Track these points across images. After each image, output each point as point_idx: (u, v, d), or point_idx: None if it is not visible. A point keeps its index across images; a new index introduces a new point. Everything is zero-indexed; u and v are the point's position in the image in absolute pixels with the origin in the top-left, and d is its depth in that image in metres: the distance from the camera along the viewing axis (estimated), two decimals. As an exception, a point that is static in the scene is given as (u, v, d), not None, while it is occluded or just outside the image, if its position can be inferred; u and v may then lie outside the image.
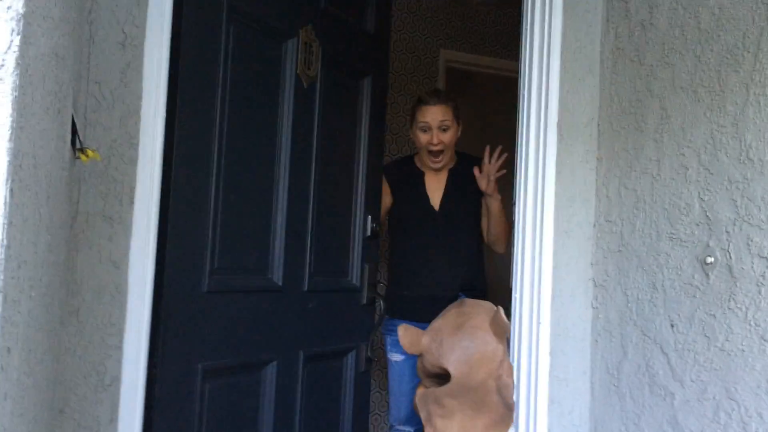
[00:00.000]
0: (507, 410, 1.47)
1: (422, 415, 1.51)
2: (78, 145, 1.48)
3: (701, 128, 1.78)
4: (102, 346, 1.71)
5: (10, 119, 0.70)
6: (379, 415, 3.68)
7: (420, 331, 1.49)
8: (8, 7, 0.71)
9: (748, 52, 1.67)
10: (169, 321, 1.83)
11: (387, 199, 2.74)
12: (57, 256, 1.31)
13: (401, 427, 2.76)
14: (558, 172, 2.16)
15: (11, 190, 0.72)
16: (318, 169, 2.27)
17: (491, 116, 5.05)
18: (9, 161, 0.70)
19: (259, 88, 2.08)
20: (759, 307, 1.59)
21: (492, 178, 2.62)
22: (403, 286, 2.72)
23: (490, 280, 2.90)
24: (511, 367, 1.54)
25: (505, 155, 2.63)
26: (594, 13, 2.21)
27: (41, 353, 1.12)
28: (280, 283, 2.14)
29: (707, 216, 1.74)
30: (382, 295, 2.60)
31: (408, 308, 2.67)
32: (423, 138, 2.62)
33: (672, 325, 1.84)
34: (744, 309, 1.63)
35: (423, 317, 2.38)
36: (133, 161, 1.74)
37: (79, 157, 1.50)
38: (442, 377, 1.52)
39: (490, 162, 2.61)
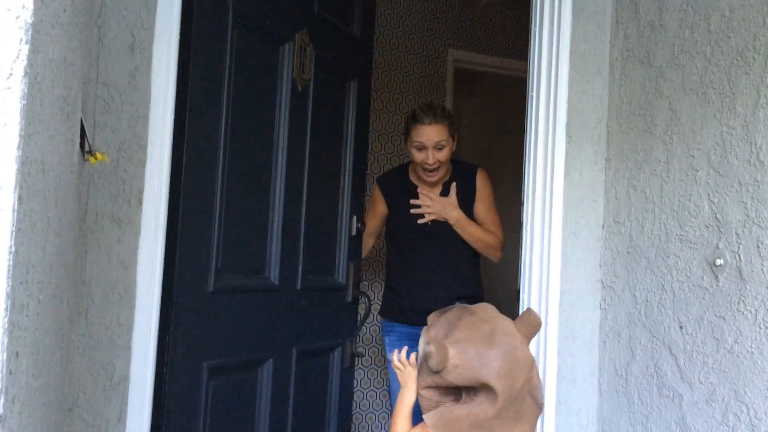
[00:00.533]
0: (539, 410, 1.42)
1: None
2: (87, 148, 1.49)
3: (711, 130, 1.77)
4: (111, 346, 1.72)
5: (18, 127, 0.71)
6: (374, 412, 3.69)
7: (446, 346, 1.38)
8: (17, 17, 0.71)
9: (759, 54, 1.66)
10: (177, 321, 1.84)
11: (381, 207, 2.75)
12: (66, 257, 1.32)
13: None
14: (566, 174, 2.16)
15: (19, 197, 0.72)
16: (310, 170, 2.30)
17: (499, 117, 5.05)
18: (17, 169, 0.71)
19: (259, 92, 2.10)
20: (768, 310, 1.58)
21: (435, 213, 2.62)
22: (401, 296, 2.73)
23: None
24: (536, 367, 1.46)
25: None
26: (603, 15, 2.20)
27: (50, 355, 1.13)
28: (277, 282, 2.17)
29: (717, 218, 1.73)
30: (367, 293, 2.63)
31: (404, 316, 2.68)
32: (418, 156, 2.58)
33: (681, 327, 1.83)
34: (753, 311, 1.62)
35: (421, 323, 2.38)
36: (142, 163, 1.75)
37: (87, 160, 1.51)
38: (454, 391, 1.43)
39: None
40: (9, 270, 0.70)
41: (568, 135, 2.16)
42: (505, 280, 3.75)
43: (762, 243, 1.61)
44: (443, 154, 2.56)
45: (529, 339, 1.42)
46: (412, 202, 2.64)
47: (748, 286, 1.63)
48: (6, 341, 0.69)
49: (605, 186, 2.19)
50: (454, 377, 1.35)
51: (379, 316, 2.95)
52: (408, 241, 2.71)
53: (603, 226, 2.19)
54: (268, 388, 2.16)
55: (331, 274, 2.49)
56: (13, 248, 0.70)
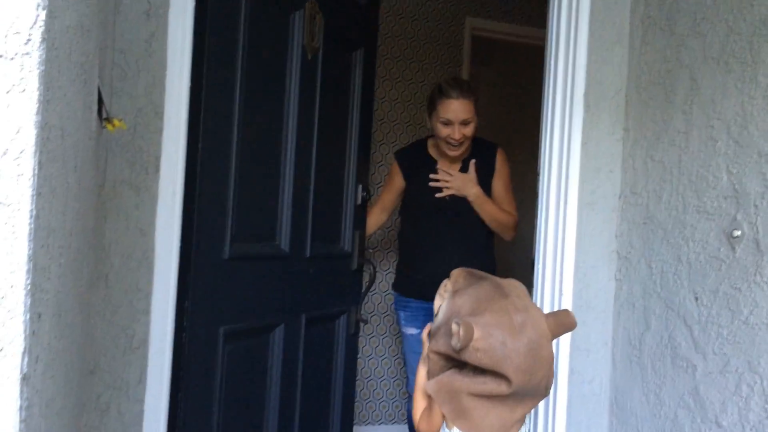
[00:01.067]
0: (543, 397, 1.40)
1: (446, 409, 1.40)
2: (104, 115, 1.50)
3: (731, 100, 1.74)
4: (130, 310, 1.75)
5: (37, 93, 0.72)
6: (377, 380, 3.73)
7: (472, 328, 1.35)
8: (34, -18, 0.72)
9: (783, 21, 1.62)
10: (195, 286, 1.87)
11: (398, 181, 2.75)
12: (85, 223, 1.34)
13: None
14: (584, 144, 2.14)
15: (39, 162, 0.73)
16: (318, 139, 2.31)
17: (517, 86, 5.00)
18: (37, 134, 0.72)
19: (271, 60, 2.10)
20: (784, 281, 1.58)
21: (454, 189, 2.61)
22: (415, 270, 2.73)
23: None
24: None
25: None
26: (624, -20, 2.16)
27: (71, 317, 1.15)
28: (287, 250, 2.20)
29: (735, 189, 1.71)
30: (372, 261, 2.65)
31: (418, 289, 2.69)
32: (443, 131, 2.55)
33: (696, 298, 1.83)
34: (769, 283, 1.61)
35: (433, 298, 2.42)
36: (159, 130, 1.76)
37: (105, 127, 1.52)
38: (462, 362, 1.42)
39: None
40: (31, 233, 0.71)
41: (586, 104, 2.14)
42: (519, 251, 3.75)
43: (780, 214, 1.59)
44: (469, 130, 2.55)
45: (554, 337, 1.38)
46: (431, 176, 2.64)
47: (765, 258, 1.62)
48: (29, 302, 0.71)
49: (623, 156, 2.17)
50: (472, 359, 1.32)
51: (392, 289, 2.97)
52: (424, 216, 2.71)
53: (620, 197, 2.17)
54: (279, 352, 2.21)
55: (338, 242, 2.52)
56: (34, 212, 0.72)
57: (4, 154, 0.69)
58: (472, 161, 2.62)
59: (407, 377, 2.88)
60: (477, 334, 1.30)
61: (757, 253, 1.64)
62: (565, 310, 1.39)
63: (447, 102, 2.51)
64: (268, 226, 2.15)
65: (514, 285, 1.44)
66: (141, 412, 1.77)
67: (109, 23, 1.68)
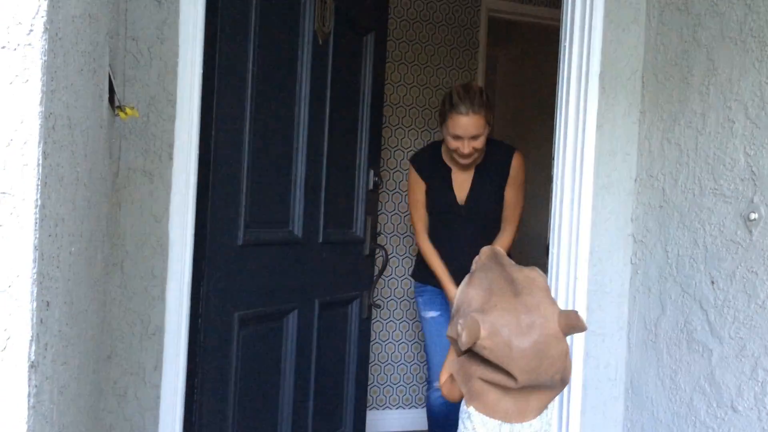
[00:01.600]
0: (562, 386, 1.41)
1: (463, 389, 1.43)
2: (117, 103, 1.51)
3: (749, 80, 1.71)
4: (146, 297, 1.77)
5: (40, 83, 0.72)
6: (392, 364, 3.75)
7: (479, 327, 1.35)
8: (35, -28, 0.72)
9: (803, -2, 1.58)
10: (210, 273, 1.89)
11: (422, 184, 2.69)
12: (98, 211, 1.35)
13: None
14: (599, 126, 2.11)
15: (44, 152, 0.74)
16: (330, 125, 2.31)
17: (533, 68, 4.94)
18: (40, 124, 0.72)
19: (282, 45, 2.09)
20: (803, 265, 1.55)
21: None
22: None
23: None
24: (570, 355, 1.43)
25: None
26: (640, -41, 2.11)
27: (84, 305, 1.17)
28: (300, 236, 2.21)
29: (752, 171, 1.69)
30: (384, 247, 2.65)
31: (435, 280, 2.70)
32: (453, 144, 2.50)
33: (712, 282, 1.81)
34: (787, 267, 1.58)
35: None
36: (171, 118, 1.77)
37: (118, 115, 1.53)
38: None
39: None
40: (36, 223, 0.72)
41: (602, 86, 2.11)
42: (533, 236, 3.73)
43: (799, 197, 1.57)
44: (479, 143, 2.50)
45: (566, 335, 1.38)
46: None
47: (782, 241, 1.60)
48: (35, 291, 0.72)
49: (639, 138, 2.15)
50: (480, 352, 1.34)
51: (410, 277, 2.98)
52: (439, 219, 2.71)
53: (635, 180, 2.15)
54: (293, 337, 2.23)
55: (350, 227, 2.53)
56: (39, 201, 0.72)
57: (8, 144, 0.70)
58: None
59: (428, 362, 2.88)
60: (483, 333, 1.31)
61: (775, 236, 1.62)
62: (574, 312, 1.37)
63: (456, 117, 2.45)
64: (280, 212, 2.16)
65: (530, 279, 1.43)
66: (158, 397, 1.79)
67: (121, 11, 1.69)
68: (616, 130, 2.13)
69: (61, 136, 0.85)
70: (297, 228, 2.21)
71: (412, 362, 3.74)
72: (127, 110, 1.53)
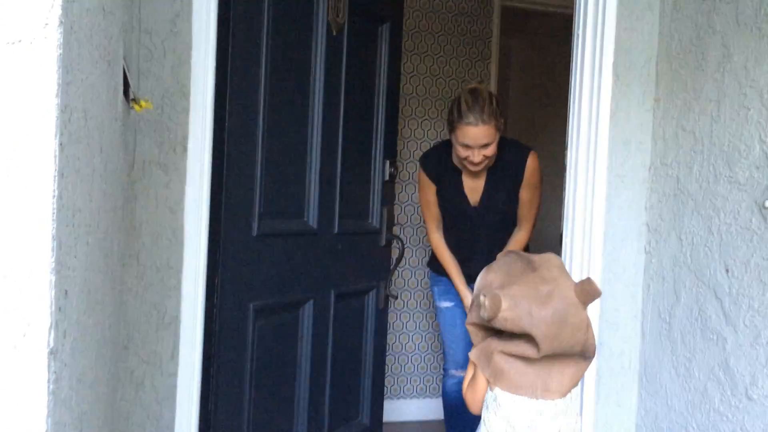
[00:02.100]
0: (585, 360, 1.45)
1: (487, 372, 1.47)
2: (131, 96, 1.53)
3: (764, 66, 1.69)
4: (161, 287, 1.80)
5: (56, 76, 0.74)
6: (407, 355, 3.76)
7: (500, 299, 1.41)
8: (50, -33, 0.73)
9: (819, -17, 1.56)
10: (225, 264, 1.91)
11: (433, 187, 2.64)
12: (114, 202, 1.37)
13: (459, 372, 2.81)
14: (613, 115, 2.10)
15: (60, 144, 0.76)
16: (345, 116, 2.31)
17: (547, 57, 4.91)
18: (57, 116, 0.74)
19: (296, 37, 2.10)
20: (818, 252, 1.54)
21: None
22: None
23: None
24: (591, 328, 1.47)
25: None
26: (654, -55, 2.10)
27: (101, 294, 1.19)
28: (315, 227, 2.22)
29: (768, 158, 1.67)
30: (400, 237, 2.64)
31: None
32: (462, 153, 2.41)
33: (727, 270, 1.80)
34: (803, 255, 1.57)
35: (465, 276, 2.55)
36: (185, 110, 1.78)
37: (133, 108, 1.55)
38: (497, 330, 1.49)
39: None
40: (54, 213, 0.73)
41: (615, 74, 2.10)
42: (547, 225, 3.73)
43: (815, 184, 1.55)
44: (489, 151, 2.42)
45: (585, 305, 1.42)
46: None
47: (798, 229, 1.59)
48: (54, 279, 0.74)
49: (653, 127, 2.13)
50: (502, 327, 1.40)
51: (426, 266, 2.99)
52: (453, 224, 2.69)
53: (650, 168, 2.14)
54: (309, 328, 2.24)
55: (366, 218, 2.53)
56: (56, 192, 0.74)
57: (26, 136, 0.72)
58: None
59: (443, 351, 2.89)
60: (505, 304, 1.37)
61: (791, 223, 1.61)
62: (588, 279, 1.43)
63: (465, 128, 2.36)
64: (295, 203, 2.17)
65: (546, 258, 1.50)
66: (174, 386, 1.82)
67: (134, 4, 1.70)
68: (630, 118, 2.12)
69: (77, 129, 0.87)
70: (312, 219, 2.22)
71: (427, 352, 3.76)
72: (142, 103, 1.55)
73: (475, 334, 1.51)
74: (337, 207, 2.33)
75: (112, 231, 1.34)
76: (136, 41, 1.71)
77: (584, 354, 1.44)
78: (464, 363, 2.75)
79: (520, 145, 2.61)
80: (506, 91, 4.11)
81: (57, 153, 0.74)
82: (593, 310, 2.11)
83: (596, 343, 2.10)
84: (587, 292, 1.40)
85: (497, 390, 1.43)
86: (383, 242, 2.59)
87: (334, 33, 2.21)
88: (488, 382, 1.45)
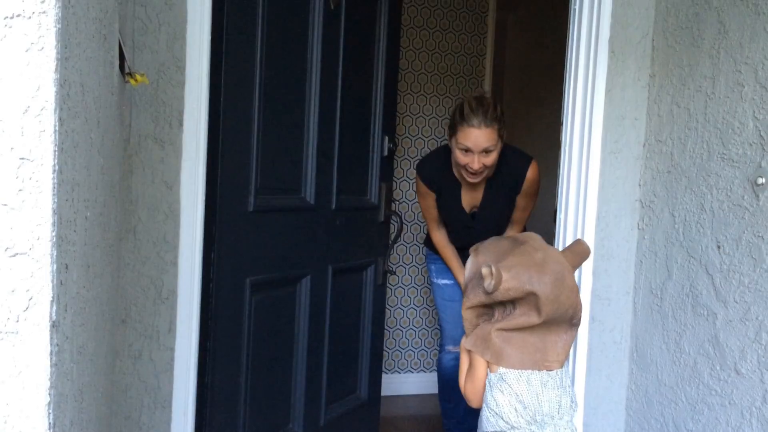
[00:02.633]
0: (573, 327, 1.50)
1: (486, 356, 1.50)
2: (127, 70, 1.52)
3: (760, 43, 1.70)
4: (158, 262, 1.80)
5: (55, 50, 0.74)
6: (406, 329, 3.80)
7: (500, 271, 1.45)
8: (47, -60, 0.73)
9: (816, -41, 1.56)
10: (221, 239, 1.92)
11: (431, 193, 2.62)
12: (111, 177, 1.37)
13: (456, 349, 2.84)
14: (608, 91, 2.11)
15: (60, 118, 0.76)
16: (342, 91, 2.30)
17: (543, 31, 4.88)
18: (56, 91, 0.74)
19: (292, 11, 2.08)
20: (809, 229, 1.56)
21: None
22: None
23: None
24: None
25: None
26: None
27: (100, 268, 1.20)
28: (312, 202, 2.22)
29: (761, 135, 1.68)
30: (398, 213, 2.64)
31: None
32: (462, 159, 2.35)
33: (718, 246, 1.82)
34: (793, 231, 1.59)
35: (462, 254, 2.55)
36: (181, 84, 1.78)
37: (128, 82, 1.54)
38: (489, 312, 1.53)
39: None
40: (54, 187, 0.74)
41: (611, 50, 2.10)
42: (541, 202, 3.74)
43: (807, 161, 1.57)
44: (490, 159, 2.35)
45: (575, 268, 1.49)
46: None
47: (789, 206, 1.60)
48: (55, 254, 0.74)
49: (648, 103, 2.14)
50: (503, 296, 1.44)
51: (423, 244, 3.01)
52: (451, 231, 2.69)
53: (644, 145, 2.15)
54: (306, 302, 2.26)
55: (364, 194, 2.53)
56: (57, 167, 0.74)
57: (26, 111, 0.72)
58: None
59: (440, 327, 2.93)
60: (506, 275, 1.42)
61: (782, 200, 1.62)
62: (577, 240, 1.51)
63: (467, 130, 2.30)
64: (292, 178, 2.17)
65: (528, 234, 1.58)
66: (172, 359, 1.84)
67: (128, -23, 1.69)
68: (626, 94, 2.12)
69: (75, 103, 0.87)
70: (309, 195, 2.22)
71: (421, 327, 3.79)
72: (137, 77, 1.55)
73: (468, 322, 1.54)
74: (334, 183, 2.33)
75: (109, 205, 1.34)
76: (130, 14, 1.70)
77: (573, 320, 1.48)
78: (460, 339, 2.78)
79: (521, 153, 2.53)
80: (502, 65, 4.10)
81: (57, 127, 0.74)
82: (585, 285, 2.13)
83: (588, 317, 2.13)
84: (578, 252, 1.49)
85: (501, 369, 1.46)
86: (382, 218, 2.60)
87: (332, 6, 2.20)
88: (488, 365, 1.48)
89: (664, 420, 2.01)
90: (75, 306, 0.90)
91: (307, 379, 2.29)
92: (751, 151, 1.71)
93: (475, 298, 1.51)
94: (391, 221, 2.73)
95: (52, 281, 0.74)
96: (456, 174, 2.54)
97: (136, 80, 1.54)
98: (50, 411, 0.75)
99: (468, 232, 2.60)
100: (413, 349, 3.79)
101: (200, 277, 1.88)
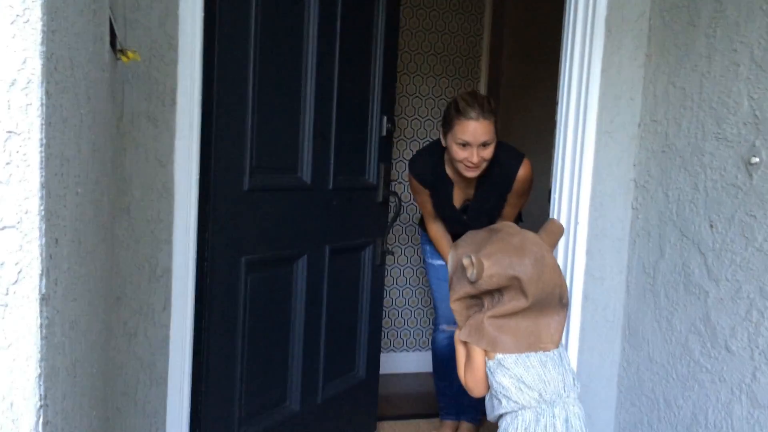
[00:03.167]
0: (563, 308, 1.53)
1: (482, 344, 1.53)
2: (118, 47, 1.51)
3: (756, 22, 1.69)
4: (153, 240, 1.81)
5: (41, 23, 0.73)
6: (409, 309, 3.82)
7: (480, 259, 1.49)
8: None
9: (813, -64, 1.55)
10: (215, 218, 1.92)
11: (426, 191, 2.63)
12: (103, 154, 1.37)
13: (450, 328, 2.86)
14: (604, 70, 2.10)
15: (47, 92, 0.76)
16: (340, 70, 2.29)
17: (540, 12, 4.85)
18: (42, 64, 0.74)
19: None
20: (801, 208, 1.56)
21: None
22: None
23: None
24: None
25: None
26: None
27: (92, 245, 1.20)
28: (309, 182, 2.22)
29: (755, 115, 1.68)
30: (397, 194, 2.65)
31: None
32: (460, 154, 2.35)
33: (711, 226, 1.82)
34: (786, 210, 1.60)
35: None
36: (174, 62, 1.77)
37: (120, 59, 1.53)
38: (479, 302, 1.56)
39: None
40: (42, 161, 0.74)
41: (608, 29, 2.09)
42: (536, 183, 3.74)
43: (800, 140, 1.57)
44: (488, 152, 2.35)
45: (552, 247, 1.53)
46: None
47: (782, 185, 1.61)
48: (44, 227, 0.75)
49: (644, 83, 2.13)
50: (488, 284, 1.47)
51: (418, 225, 3.02)
52: (445, 224, 2.72)
53: (639, 125, 2.14)
54: (303, 282, 2.26)
55: (362, 174, 2.53)
56: (44, 141, 0.74)
57: (12, 84, 0.72)
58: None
59: (434, 307, 2.94)
60: (487, 263, 1.45)
61: (775, 180, 1.63)
62: (551, 219, 1.56)
63: (465, 123, 2.30)
64: (289, 158, 2.17)
65: (504, 223, 1.62)
66: (167, 337, 1.85)
67: (120, -47, 1.67)
68: (622, 73, 2.12)
69: (63, 78, 0.86)
70: (306, 174, 2.22)
71: (417, 307, 3.81)
72: (129, 54, 1.54)
73: (459, 314, 1.57)
74: (331, 162, 2.32)
75: (102, 183, 1.34)
76: (122, -9, 1.69)
77: (562, 300, 1.50)
78: (454, 318, 2.80)
79: (513, 151, 2.53)
80: (499, 45, 4.08)
81: (44, 101, 0.74)
82: (579, 264, 2.14)
83: (581, 296, 2.14)
84: (553, 231, 1.54)
85: (499, 356, 1.49)
86: (380, 198, 2.59)
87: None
88: (485, 353, 1.51)
89: (654, 396, 2.03)
90: (66, 280, 0.90)
91: (305, 357, 2.31)
92: (745, 131, 1.71)
93: (461, 289, 1.55)
94: (390, 201, 2.73)
95: (41, 255, 0.74)
96: (449, 172, 2.54)
97: (127, 57, 1.53)
98: (41, 383, 0.75)
99: (461, 227, 2.60)
100: (409, 329, 3.81)
101: (195, 255, 1.88)
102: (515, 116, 4.07)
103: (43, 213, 0.74)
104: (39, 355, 0.75)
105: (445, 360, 2.86)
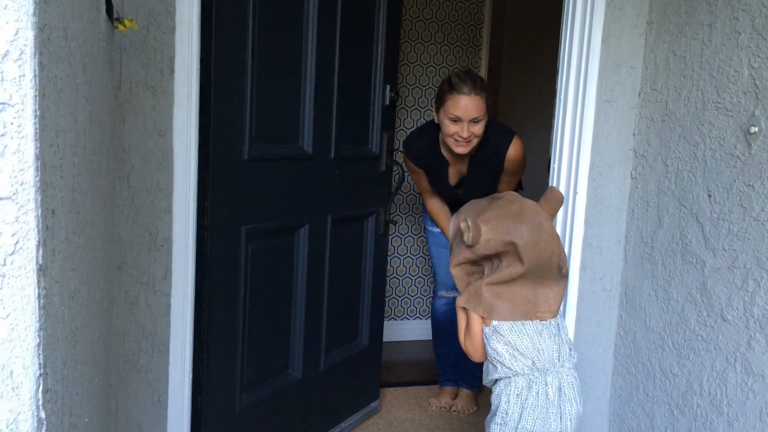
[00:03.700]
0: (562, 278, 1.55)
1: (480, 310, 1.55)
2: (115, 15, 1.50)
3: (758, -11, 1.67)
4: (153, 210, 1.82)
5: (32, -7, 0.73)
6: (411, 277, 3.84)
7: (478, 224, 1.51)
8: None
9: None
10: (215, 187, 1.93)
11: (422, 171, 2.70)
12: (101, 124, 1.37)
13: (449, 294, 2.89)
14: (604, 39, 2.08)
15: (41, 63, 0.76)
16: (342, 38, 2.27)
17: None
18: (35, 35, 0.73)
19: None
20: (798, 178, 1.56)
21: None
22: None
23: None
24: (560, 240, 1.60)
25: None
26: None
27: (91, 215, 1.21)
28: (310, 151, 2.22)
29: (756, 84, 1.67)
30: (400, 163, 2.66)
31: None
32: (451, 128, 2.41)
33: (709, 195, 1.83)
34: (784, 180, 1.60)
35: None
36: (171, 30, 1.76)
37: (116, 28, 1.52)
38: (479, 269, 1.57)
39: None
40: (36, 132, 0.74)
41: (609, -3, 2.07)
42: (535, 154, 3.73)
43: (800, 110, 1.56)
44: (478, 128, 2.42)
45: (552, 216, 1.54)
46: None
47: (781, 155, 1.60)
48: (40, 198, 0.75)
49: (645, 51, 2.11)
50: (485, 249, 1.49)
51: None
52: (443, 200, 2.76)
53: (639, 94, 2.13)
54: (305, 251, 2.27)
55: (365, 143, 2.52)
56: (38, 112, 0.74)
57: (5, 55, 0.72)
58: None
59: (434, 274, 2.98)
60: (484, 228, 1.48)
61: (774, 149, 1.62)
62: (551, 187, 1.57)
63: (457, 98, 2.37)
64: (289, 127, 2.16)
65: (504, 192, 1.64)
66: (168, 306, 1.87)
67: None
68: (622, 42, 2.10)
69: (58, 48, 0.86)
70: (307, 144, 2.21)
71: (418, 275, 3.83)
72: (126, 23, 1.53)
73: (460, 280, 1.59)
74: (333, 132, 2.31)
75: (100, 153, 1.35)
76: (118, -42, 1.67)
77: (561, 270, 1.52)
78: (453, 285, 2.83)
79: (504, 129, 2.57)
80: (501, 12, 4.03)
81: (37, 72, 0.74)
82: (577, 234, 2.15)
83: (579, 266, 2.16)
84: (552, 199, 1.53)
85: (495, 322, 1.51)
86: (383, 168, 2.59)
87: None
88: (483, 320, 1.53)
89: (650, 364, 2.06)
90: (64, 251, 0.91)
91: (307, 325, 2.33)
92: (745, 100, 1.70)
93: (460, 254, 1.57)
94: (394, 171, 2.73)
95: (38, 226, 0.75)
96: (444, 151, 2.60)
97: (124, 26, 1.52)
98: (40, 352, 0.77)
99: (458, 204, 2.65)
100: (410, 297, 3.85)
101: (195, 224, 1.89)
102: (516, 85, 4.05)
103: (38, 184, 0.75)
104: (38, 324, 0.76)
105: (443, 326, 2.89)
